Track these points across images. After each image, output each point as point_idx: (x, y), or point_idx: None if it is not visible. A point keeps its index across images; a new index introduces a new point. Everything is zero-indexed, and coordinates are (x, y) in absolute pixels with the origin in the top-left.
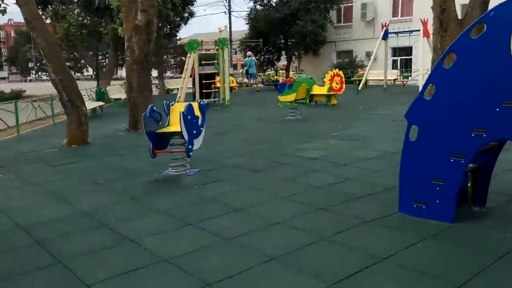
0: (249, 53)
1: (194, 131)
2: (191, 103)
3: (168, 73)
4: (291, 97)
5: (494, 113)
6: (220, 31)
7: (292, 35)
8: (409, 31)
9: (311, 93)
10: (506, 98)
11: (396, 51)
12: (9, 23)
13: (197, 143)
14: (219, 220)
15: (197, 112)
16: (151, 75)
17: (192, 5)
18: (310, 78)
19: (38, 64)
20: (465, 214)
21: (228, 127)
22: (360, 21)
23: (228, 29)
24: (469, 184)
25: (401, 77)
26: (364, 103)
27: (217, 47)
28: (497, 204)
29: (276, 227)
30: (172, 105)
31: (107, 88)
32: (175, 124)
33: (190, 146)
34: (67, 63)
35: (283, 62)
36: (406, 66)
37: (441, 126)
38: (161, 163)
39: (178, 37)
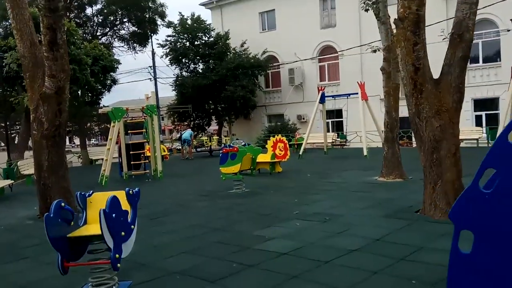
0: (188, 129)
1: (122, 233)
2: (115, 194)
3: (93, 141)
4: (235, 168)
5: None
6: (148, 98)
7: (222, 100)
8: (347, 94)
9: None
10: None
11: (327, 113)
12: None
13: (127, 248)
14: None
15: (125, 205)
16: (65, 149)
17: (114, 72)
18: (260, 147)
19: None
20: None
21: (165, 208)
22: (289, 85)
23: (152, 96)
24: None
25: (339, 140)
26: (311, 169)
27: (145, 115)
28: None
29: None
30: (89, 196)
31: (19, 163)
32: (94, 223)
33: (116, 255)
34: None
35: (213, 127)
36: (338, 128)
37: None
38: (78, 273)
39: (101, 105)
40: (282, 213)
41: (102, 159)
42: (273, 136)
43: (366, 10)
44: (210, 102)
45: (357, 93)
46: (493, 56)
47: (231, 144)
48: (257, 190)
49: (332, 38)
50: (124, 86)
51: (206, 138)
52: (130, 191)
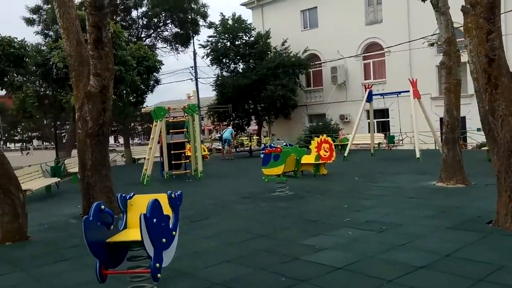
0: (229, 127)
1: (163, 240)
2: (157, 197)
3: (136, 140)
4: (278, 169)
5: None
6: (190, 97)
7: (262, 100)
8: (396, 92)
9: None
10: None
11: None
12: None
13: (168, 256)
14: None
15: (166, 209)
16: (110, 147)
17: (158, 72)
18: (300, 147)
19: (6, 135)
20: None
21: (206, 209)
22: (331, 84)
23: (194, 95)
24: None
25: (387, 141)
26: (358, 172)
27: (186, 114)
28: None
29: None
30: (130, 198)
31: (66, 161)
32: (134, 227)
33: (157, 265)
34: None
35: (252, 127)
36: (384, 129)
37: None
38: (117, 280)
39: (144, 105)
40: (331, 220)
41: (145, 158)
42: (317, 136)
43: (423, 0)
44: (250, 101)
45: (408, 91)
46: None
47: (272, 145)
48: (301, 193)
49: (378, 35)
50: (165, 87)
51: (246, 138)
52: (173, 194)
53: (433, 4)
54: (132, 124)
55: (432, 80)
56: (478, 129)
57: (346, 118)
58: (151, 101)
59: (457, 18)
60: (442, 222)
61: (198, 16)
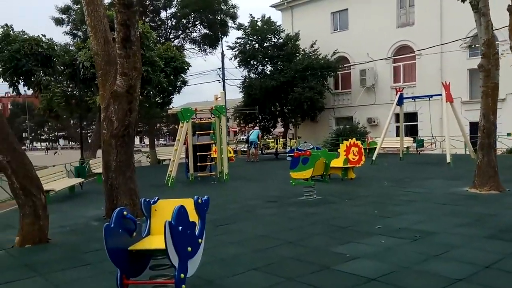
0: (256, 127)
1: (189, 248)
2: (182, 203)
3: (161, 141)
4: (306, 173)
5: None
6: (217, 99)
7: (289, 102)
8: (428, 95)
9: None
10: None
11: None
12: (6, 95)
13: (193, 265)
14: None
15: (192, 215)
16: (135, 148)
17: (185, 73)
18: (330, 151)
19: (32, 134)
20: None
21: (232, 213)
22: (360, 87)
23: (222, 97)
24: None
25: (416, 145)
26: (387, 176)
27: (213, 116)
28: None
29: None
30: (154, 203)
31: (91, 161)
32: (158, 234)
33: (181, 275)
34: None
35: (278, 129)
36: (412, 133)
37: None
38: (138, 286)
39: (171, 106)
40: (362, 227)
41: (170, 159)
42: (346, 140)
43: (463, 1)
44: (277, 104)
45: (440, 94)
46: None
47: (299, 147)
48: (329, 198)
49: (409, 37)
50: (191, 88)
51: (272, 140)
52: (199, 200)
53: (473, 5)
54: (158, 125)
55: (463, 84)
56: (508, 134)
57: (374, 122)
58: (178, 102)
59: (494, 21)
60: (479, 231)
61: (228, 17)
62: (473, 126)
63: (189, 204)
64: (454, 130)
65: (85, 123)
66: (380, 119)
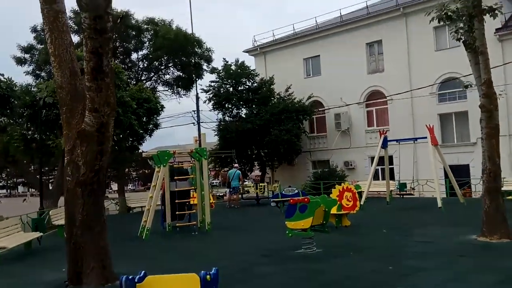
0: (236, 165)
1: None
2: (182, 278)
3: (130, 186)
4: (305, 223)
5: None
6: (196, 141)
7: (266, 145)
8: (413, 138)
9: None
10: None
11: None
12: None
13: None
14: None
15: None
16: (106, 197)
17: (159, 114)
18: (329, 198)
19: None
20: None
21: (223, 272)
22: (335, 131)
23: (203, 139)
24: None
25: (399, 189)
26: (382, 223)
27: (192, 159)
28: None
29: None
30: (140, 280)
31: (51, 212)
32: None
33: None
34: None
35: (255, 173)
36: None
37: None
38: None
39: (140, 150)
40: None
41: (141, 207)
42: (339, 184)
43: (458, 40)
44: (253, 147)
45: (425, 137)
46: None
47: (283, 192)
48: (332, 251)
49: (380, 83)
50: (162, 132)
51: (252, 184)
52: (208, 276)
53: (467, 44)
54: (126, 170)
55: (435, 129)
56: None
57: (351, 165)
58: (148, 146)
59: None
60: None
61: (202, 60)
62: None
63: (190, 281)
64: (429, 173)
65: (46, 168)
66: (356, 163)
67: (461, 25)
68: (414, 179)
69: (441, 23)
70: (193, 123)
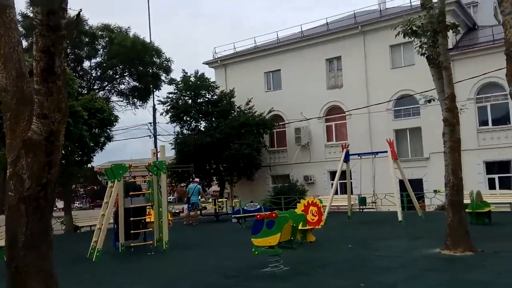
0: (196, 179)
1: None
2: None
3: (77, 204)
4: (273, 239)
5: None
6: (154, 153)
7: (225, 160)
8: (374, 152)
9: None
10: None
11: (333, 174)
12: None
13: None
14: None
15: None
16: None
17: (113, 126)
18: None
19: None
20: None
21: None
22: (295, 145)
23: (162, 152)
24: None
25: (359, 203)
26: (346, 237)
27: (150, 173)
28: None
29: None
30: None
31: None
32: None
33: None
34: None
35: (213, 188)
36: (345, 190)
37: None
38: None
39: (89, 165)
40: None
41: (90, 226)
42: (304, 200)
43: (423, 54)
44: (212, 161)
45: (386, 151)
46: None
47: (245, 207)
48: (299, 268)
49: (339, 99)
50: (112, 146)
51: (211, 200)
52: None
53: (430, 60)
54: (74, 186)
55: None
56: (435, 191)
57: (310, 179)
58: (98, 161)
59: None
60: None
61: (161, 70)
62: (402, 183)
63: None
64: (387, 187)
65: None
66: (316, 177)
67: (425, 40)
68: (374, 193)
69: (407, 38)
70: (149, 136)
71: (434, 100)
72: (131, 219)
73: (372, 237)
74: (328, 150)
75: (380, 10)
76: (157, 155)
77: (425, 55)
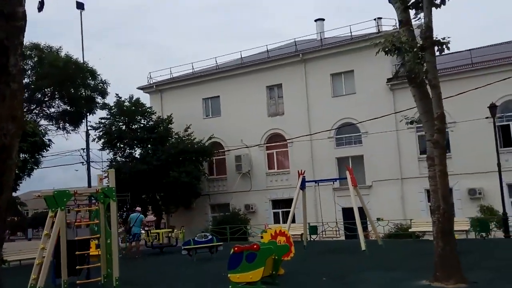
0: (138, 208)
1: None
2: None
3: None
4: (254, 275)
5: None
6: (101, 179)
7: (162, 188)
8: (333, 179)
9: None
10: None
11: (275, 203)
12: None
13: None
14: None
15: None
16: None
17: (47, 150)
18: (280, 244)
19: None
20: None
21: None
22: (236, 173)
23: (111, 177)
24: None
25: (309, 232)
26: (315, 270)
27: (95, 201)
28: None
29: None
30: None
31: None
32: None
33: None
34: None
35: (149, 218)
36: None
37: None
38: None
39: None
40: None
41: (19, 260)
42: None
43: (406, 73)
44: (148, 190)
45: (345, 178)
46: None
47: (196, 239)
48: None
49: (280, 126)
50: (39, 174)
51: (152, 232)
52: None
53: (411, 79)
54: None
55: (333, 171)
56: (378, 219)
57: (252, 208)
58: (21, 189)
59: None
60: None
61: (96, 93)
62: (345, 211)
63: None
64: (330, 216)
65: None
66: (257, 206)
67: (408, 57)
68: (323, 222)
69: (388, 55)
70: (82, 162)
71: (416, 122)
72: (77, 253)
73: (342, 268)
74: (269, 178)
75: (321, 39)
76: (100, 181)
77: (406, 74)
